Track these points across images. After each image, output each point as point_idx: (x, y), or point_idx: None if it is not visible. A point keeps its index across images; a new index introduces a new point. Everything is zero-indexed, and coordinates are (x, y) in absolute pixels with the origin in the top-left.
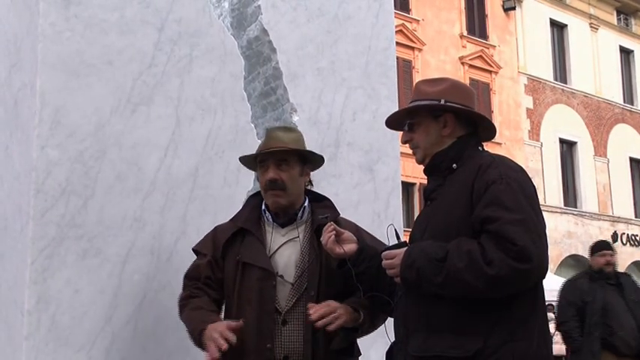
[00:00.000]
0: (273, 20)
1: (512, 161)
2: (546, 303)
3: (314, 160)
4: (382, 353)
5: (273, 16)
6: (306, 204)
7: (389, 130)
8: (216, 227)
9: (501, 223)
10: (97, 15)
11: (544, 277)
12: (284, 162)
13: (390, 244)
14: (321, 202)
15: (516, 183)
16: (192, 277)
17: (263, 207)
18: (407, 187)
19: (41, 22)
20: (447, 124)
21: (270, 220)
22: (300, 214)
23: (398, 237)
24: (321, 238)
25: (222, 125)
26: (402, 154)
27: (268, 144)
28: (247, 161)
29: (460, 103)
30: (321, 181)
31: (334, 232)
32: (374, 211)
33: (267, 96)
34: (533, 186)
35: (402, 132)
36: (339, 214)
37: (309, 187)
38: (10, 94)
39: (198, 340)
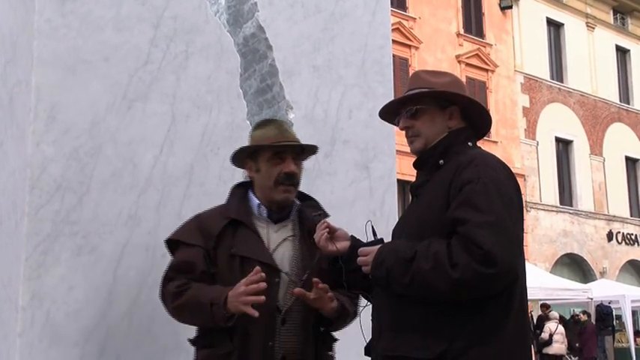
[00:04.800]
0: (270, 17)
1: (497, 160)
2: (541, 302)
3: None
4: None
5: (269, 14)
6: (296, 201)
7: (385, 127)
8: (198, 215)
9: (470, 225)
10: (92, 11)
11: (515, 281)
12: (299, 156)
13: (368, 241)
14: (305, 201)
15: (493, 183)
16: (183, 271)
17: (256, 201)
18: (403, 185)
19: (37, 19)
20: (452, 117)
21: (265, 215)
22: (291, 211)
23: (374, 234)
24: (315, 236)
25: (217, 122)
26: (399, 152)
27: (284, 136)
28: (246, 153)
29: None
30: (317, 179)
31: (327, 229)
32: (369, 209)
33: (263, 93)
34: (516, 186)
35: (401, 119)
36: (328, 214)
37: None
38: (5, 90)
39: (221, 310)
